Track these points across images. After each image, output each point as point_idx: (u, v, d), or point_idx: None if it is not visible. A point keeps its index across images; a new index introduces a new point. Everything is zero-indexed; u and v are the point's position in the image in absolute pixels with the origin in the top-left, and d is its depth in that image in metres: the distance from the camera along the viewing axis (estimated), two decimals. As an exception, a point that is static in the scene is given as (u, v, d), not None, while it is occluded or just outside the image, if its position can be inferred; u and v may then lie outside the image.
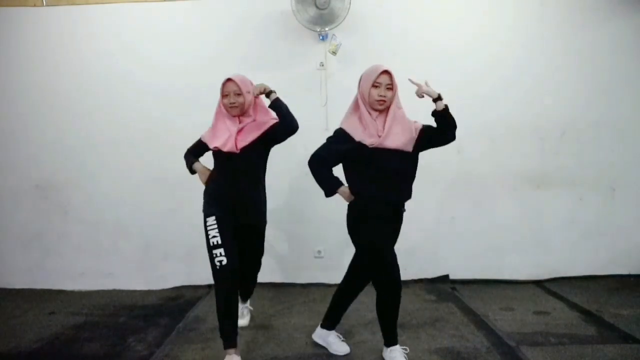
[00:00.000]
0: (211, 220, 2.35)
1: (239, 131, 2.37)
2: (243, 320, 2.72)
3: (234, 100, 2.35)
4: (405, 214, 3.40)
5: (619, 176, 3.49)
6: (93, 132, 3.51)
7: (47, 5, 3.45)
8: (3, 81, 3.52)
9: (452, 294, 3.28)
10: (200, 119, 3.44)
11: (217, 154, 2.43)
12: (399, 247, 3.24)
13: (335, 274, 3.51)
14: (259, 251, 2.66)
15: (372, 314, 2.82)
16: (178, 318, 2.93)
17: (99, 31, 3.45)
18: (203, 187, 3.48)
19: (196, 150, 2.61)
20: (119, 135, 3.49)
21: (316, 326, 2.72)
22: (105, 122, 3.49)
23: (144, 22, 3.44)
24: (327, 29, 3.27)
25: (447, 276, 3.52)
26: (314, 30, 3.30)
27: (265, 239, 3.43)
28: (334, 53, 3.30)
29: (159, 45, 3.45)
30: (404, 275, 3.49)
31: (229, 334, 2.25)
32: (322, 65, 3.37)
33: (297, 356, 2.37)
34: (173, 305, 3.22)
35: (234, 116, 2.39)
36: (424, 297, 3.23)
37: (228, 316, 2.25)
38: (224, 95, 2.38)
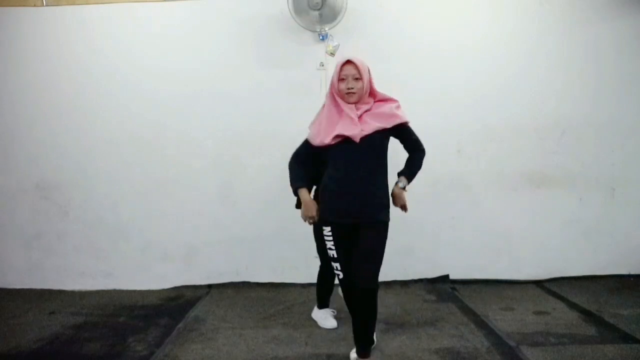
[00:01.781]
0: (327, 230, 2.15)
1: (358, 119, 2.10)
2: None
3: (352, 85, 2.11)
4: (405, 214, 3.31)
5: (619, 176, 3.49)
6: (93, 132, 3.50)
7: (47, 5, 3.44)
8: (3, 81, 3.51)
9: (452, 294, 3.28)
10: (200, 119, 3.47)
11: (333, 147, 2.12)
12: (399, 248, 3.25)
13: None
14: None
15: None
16: (178, 318, 2.93)
17: (99, 31, 3.45)
18: (202, 188, 3.51)
19: (306, 155, 2.25)
20: (119, 135, 3.49)
21: (316, 326, 2.73)
22: (105, 123, 3.49)
23: (144, 22, 3.44)
24: (327, 28, 3.27)
25: (447, 276, 3.52)
26: (313, 31, 3.30)
27: (265, 238, 3.41)
28: (332, 54, 3.31)
29: (159, 45, 3.45)
30: (404, 275, 3.54)
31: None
32: (322, 65, 3.37)
33: (297, 356, 2.37)
34: (173, 305, 3.22)
35: (350, 103, 2.12)
36: (424, 297, 3.23)
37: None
38: (340, 79, 2.11)
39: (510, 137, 3.45)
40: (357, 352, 2.22)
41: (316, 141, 2.15)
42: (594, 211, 3.50)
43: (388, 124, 2.11)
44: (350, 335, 2.60)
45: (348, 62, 2.09)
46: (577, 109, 3.44)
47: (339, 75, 2.10)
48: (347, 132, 2.06)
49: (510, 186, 3.48)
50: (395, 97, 2.20)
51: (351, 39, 3.36)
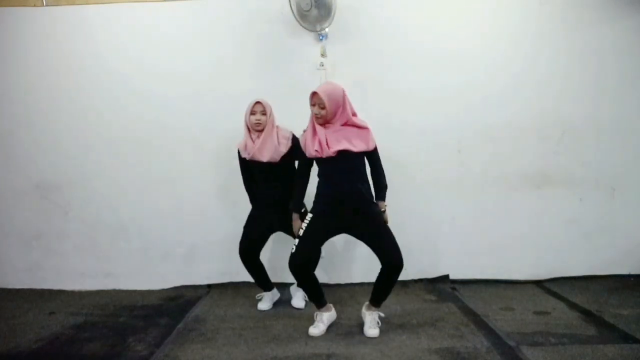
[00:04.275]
0: (309, 217, 2.61)
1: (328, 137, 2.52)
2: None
3: (317, 111, 2.51)
4: (405, 214, 3.43)
5: (619, 176, 3.49)
6: (93, 132, 3.50)
7: (47, 5, 3.44)
8: (3, 81, 3.51)
9: (452, 294, 3.28)
10: (200, 118, 3.47)
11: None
12: (399, 248, 3.22)
13: (336, 274, 3.53)
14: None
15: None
16: (178, 318, 2.93)
17: (99, 31, 3.45)
18: (203, 188, 3.51)
19: (309, 167, 2.71)
20: (119, 135, 3.49)
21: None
22: (105, 122, 3.49)
23: (143, 22, 3.44)
24: (326, 28, 3.27)
25: (447, 276, 3.52)
26: (313, 31, 3.30)
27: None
28: (322, 55, 3.33)
29: (159, 45, 3.45)
30: (404, 275, 3.53)
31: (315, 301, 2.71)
32: (322, 65, 3.38)
33: (297, 356, 2.37)
34: (173, 305, 3.22)
35: (320, 125, 2.55)
36: (424, 297, 3.23)
37: (310, 292, 2.69)
38: (312, 104, 2.55)
39: (510, 137, 3.45)
40: (371, 302, 2.68)
41: (307, 154, 2.60)
42: (594, 211, 3.50)
43: (349, 147, 2.48)
44: (350, 334, 2.62)
45: (314, 93, 2.50)
46: (577, 109, 3.44)
47: (310, 102, 2.54)
48: (321, 153, 2.50)
49: (510, 186, 3.48)
50: (368, 125, 2.58)
51: (351, 39, 3.37)
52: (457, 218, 3.51)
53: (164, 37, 3.44)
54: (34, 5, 3.44)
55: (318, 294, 2.69)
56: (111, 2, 3.42)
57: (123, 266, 3.56)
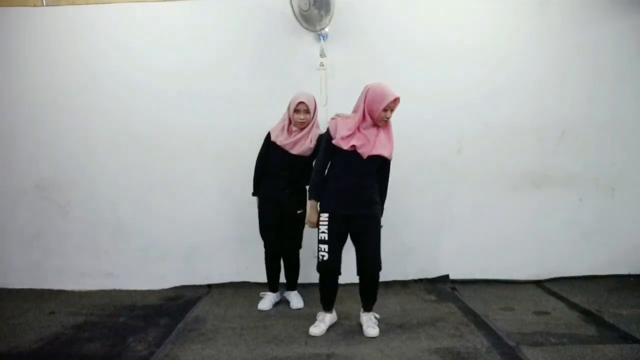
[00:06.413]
0: (324, 216, 2.57)
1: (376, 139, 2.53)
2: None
3: (389, 115, 2.51)
4: (405, 214, 3.43)
5: (619, 176, 3.49)
6: (93, 132, 3.50)
7: (47, 5, 3.44)
8: (3, 81, 3.51)
9: (452, 294, 3.28)
10: (200, 119, 3.47)
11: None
12: (399, 248, 3.25)
13: (335, 274, 3.52)
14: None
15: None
16: (178, 318, 2.93)
17: (99, 31, 3.45)
18: (202, 188, 3.51)
19: (328, 158, 2.64)
20: (120, 135, 3.49)
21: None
22: (105, 122, 3.49)
23: (144, 22, 3.44)
24: (326, 29, 3.27)
25: (447, 276, 3.52)
26: (313, 31, 3.30)
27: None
28: (321, 55, 3.34)
29: (159, 45, 3.45)
30: (404, 276, 3.54)
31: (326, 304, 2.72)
32: (322, 65, 3.38)
33: (297, 356, 2.38)
34: (173, 305, 3.22)
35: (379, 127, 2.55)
36: (424, 297, 3.23)
37: (327, 296, 2.70)
38: (384, 109, 2.46)
39: (510, 137, 3.45)
40: (364, 308, 2.71)
41: (336, 138, 2.52)
42: (594, 211, 3.50)
43: (384, 153, 2.52)
44: (350, 334, 2.62)
45: (397, 99, 2.48)
46: (577, 109, 3.44)
47: (385, 105, 2.44)
48: (360, 149, 2.48)
49: (510, 186, 3.48)
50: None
51: (351, 39, 3.37)
52: (457, 218, 3.51)
53: (164, 36, 3.44)
54: (34, 5, 3.44)
55: (332, 299, 2.70)
56: (111, 2, 3.42)
57: (123, 266, 3.56)
